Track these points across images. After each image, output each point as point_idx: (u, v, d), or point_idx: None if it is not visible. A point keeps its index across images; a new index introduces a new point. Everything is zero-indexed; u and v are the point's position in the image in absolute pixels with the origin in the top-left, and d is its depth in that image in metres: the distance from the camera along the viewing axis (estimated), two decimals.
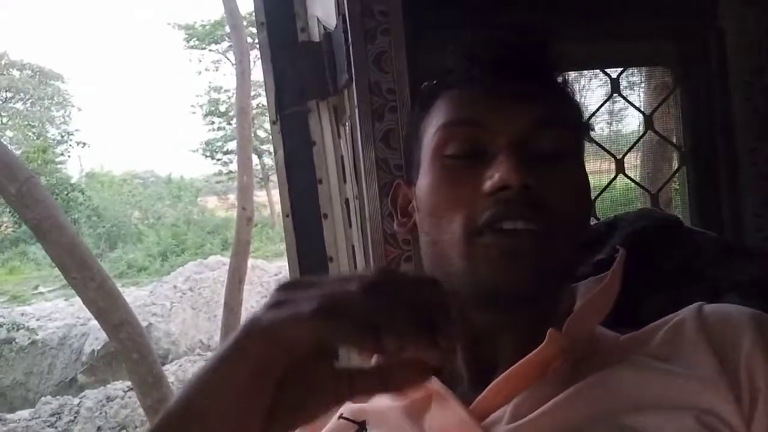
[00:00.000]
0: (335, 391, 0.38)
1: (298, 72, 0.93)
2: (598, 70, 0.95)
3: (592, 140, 0.98)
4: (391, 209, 0.67)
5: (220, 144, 13.33)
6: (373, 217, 0.82)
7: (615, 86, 0.94)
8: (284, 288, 0.37)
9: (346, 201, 0.96)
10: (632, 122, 1.02)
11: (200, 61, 14.75)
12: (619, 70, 0.94)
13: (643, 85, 1.24)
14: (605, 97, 0.95)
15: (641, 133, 0.94)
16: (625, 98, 0.94)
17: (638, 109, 0.94)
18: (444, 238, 0.54)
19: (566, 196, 0.53)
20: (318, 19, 0.95)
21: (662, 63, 0.96)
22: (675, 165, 0.96)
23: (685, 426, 0.45)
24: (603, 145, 0.96)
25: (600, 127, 0.78)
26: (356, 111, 0.82)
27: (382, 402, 0.55)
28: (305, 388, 0.38)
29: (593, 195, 0.70)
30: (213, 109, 13.29)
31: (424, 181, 0.58)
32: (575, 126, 0.58)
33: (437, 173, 0.56)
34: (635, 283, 0.61)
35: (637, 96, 1.28)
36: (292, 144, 0.94)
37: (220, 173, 13.61)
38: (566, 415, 0.47)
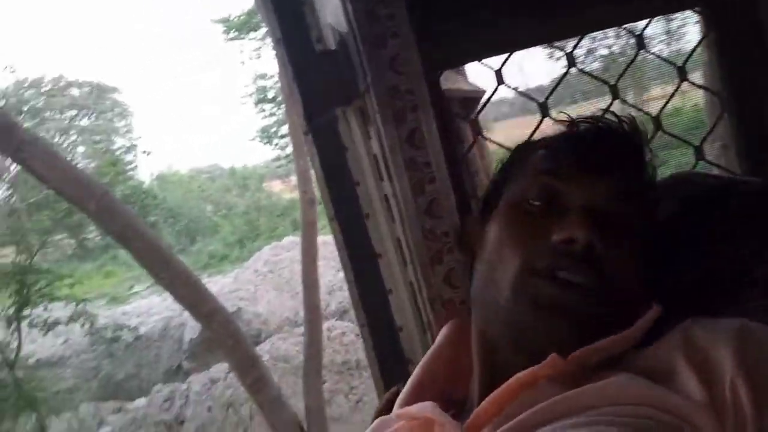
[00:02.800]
0: None
1: (321, 82, 0.96)
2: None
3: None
4: (455, 243, 0.75)
5: (274, 130, 13.46)
6: (409, 215, 0.85)
7: (640, 43, 0.90)
8: None
9: (385, 197, 0.99)
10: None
11: (241, 51, 14.83)
12: (644, 24, 0.90)
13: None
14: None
15: (676, 86, 0.90)
16: (652, 53, 0.90)
17: (668, 62, 0.90)
18: (501, 267, 0.58)
19: (623, 265, 0.56)
20: (332, 25, 0.96)
21: (687, 6, 0.91)
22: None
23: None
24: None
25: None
26: (378, 115, 0.84)
27: None
28: None
29: None
30: (262, 96, 13.39)
31: (498, 218, 0.62)
32: (648, 210, 0.61)
33: (513, 213, 0.61)
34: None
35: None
36: (326, 152, 0.98)
37: (279, 158, 13.80)
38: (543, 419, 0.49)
